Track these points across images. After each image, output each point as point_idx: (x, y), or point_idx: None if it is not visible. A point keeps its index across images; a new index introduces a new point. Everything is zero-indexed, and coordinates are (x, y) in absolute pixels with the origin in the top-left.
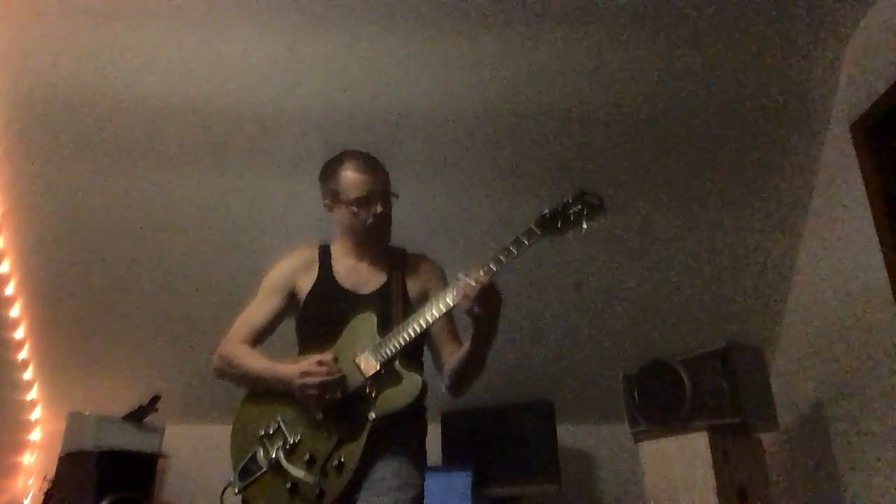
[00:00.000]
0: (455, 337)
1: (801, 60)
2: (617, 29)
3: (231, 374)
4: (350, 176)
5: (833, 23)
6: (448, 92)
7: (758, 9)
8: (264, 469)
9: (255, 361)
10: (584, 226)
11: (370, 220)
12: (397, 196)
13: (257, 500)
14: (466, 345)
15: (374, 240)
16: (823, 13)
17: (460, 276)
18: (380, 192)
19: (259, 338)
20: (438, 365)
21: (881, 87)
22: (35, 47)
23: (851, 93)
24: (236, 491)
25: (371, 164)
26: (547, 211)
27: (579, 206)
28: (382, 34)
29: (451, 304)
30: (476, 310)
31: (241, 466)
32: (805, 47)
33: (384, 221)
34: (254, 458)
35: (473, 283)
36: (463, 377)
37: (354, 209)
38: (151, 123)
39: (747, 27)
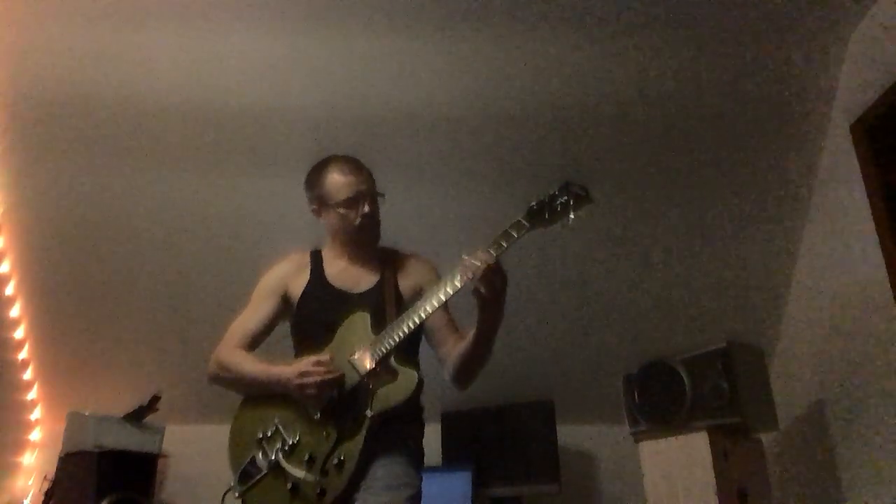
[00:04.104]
0: (455, 328)
1: (801, 60)
2: (615, 28)
3: (227, 378)
4: (336, 178)
5: (833, 23)
6: (444, 92)
7: (758, 9)
8: (264, 471)
9: (252, 365)
10: (572, 216)
11: (358, 221)
12: (383, 196)
13: (258, 502)
14: (472, 331)
15: (363, 240)
16: (823, 13)
17: (465, 257)
18: (366, 192)
19: (254, 342)
20: (441, 357)
21: (881, 87)
22: (35, 47)
23: (851, 93)
24: (236, 495)
25: (355, 166)
26: (534, 203)
27: (566, 197)
28: (379, 35)
29: (459, 287)
30: (482, 290)
31: (240, 470)
32: (805, 47)
33: (372, 221)
34: (253, 462)
35: (478, 263)
36: (469, 365)
37: (342, 211)
38: (151, 123)
39: (747, 27)
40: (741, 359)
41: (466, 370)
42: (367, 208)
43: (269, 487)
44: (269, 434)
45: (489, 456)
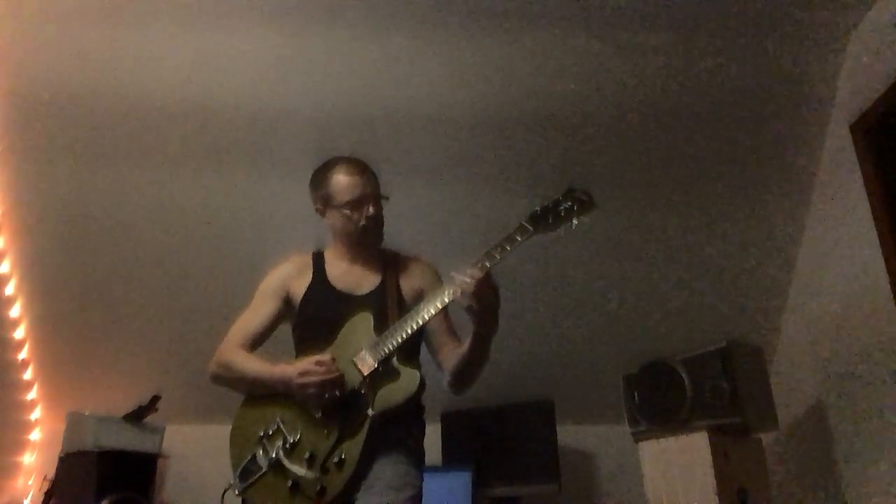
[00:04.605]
0: (453, 334)
1: (801, 60)
2: (614, 29)
3: (228, 378)
4: (341, 179)
5: (833, 23)
6: (445, 93)
7: (757, 9)
8: (264, 469)
9: (253, 364)
10: (575, 221)
11: (362, 222)
12: (387, 198)
13: (258, 500)
14: (468, 341)
15: (367, 242)
16: (823, 13)
17: (454, 273)
18: (371, 194)
19: (255, 343)
20: (439, 363)
21: (881, 87)
22: (35, 47)
23: (851, 93)
24: (237, 493)
25: (360, 168)
26: (538, 208)
27: (569, 203)
28: (380, 35)
29: (447, 301)
30: (473, 305)
31: (241, 468)
32: (805, 47)
33: (376, 223)
34: (254, 460)
35: (468, 279)
36: (466, 373)
37: (347, 212)
38: (151, 123)
39: (747, 28)
40: (741, 359)
41: (463, 376)
42: (371, 210)
43: (270, 485)
44: (270, 432)
45: (489, 456)
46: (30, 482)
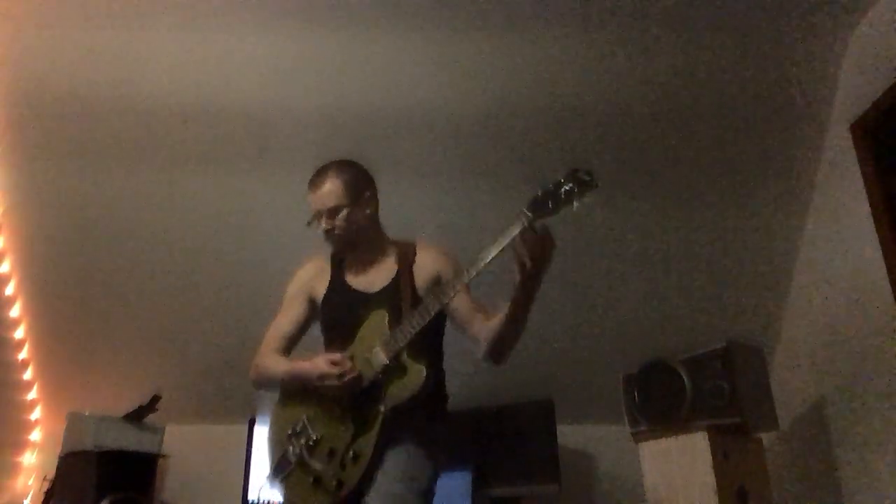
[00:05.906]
0: (480, 308)
1: (801, 60)
2: (615, 29)
3: (263, 381)
4: (308, 194)
5: (833, 23)
6: (447, 92)
7: (758, 8)
8: (293, 466)
9: (280, 366)
10: (576, 203)
11: (323, 234)
12: (346, 208)
13: (289, 494)
14: (506, 306)
15: (333, 249)
16: (823, 13)
17: (523, 209)
18: (325, 210)
19: (289, 345)
20: (472, 338)
21: (881, 87)
22: (35, 47)
23: (851, 93)
24: (270, 488)
25: (319, 182)
26: (539, 192)
27: (571, 184)
28: (381, 35)
29: (452, 295)
30: (526, 261)
31: (274, 465)
32: (805, 47)
33: (331, 236)
34: (285, 456)
35: (529, 227)
36: (504, 340)
37: (315, 223)
38: (151, 123)
39: (747, 27)
40: (741, 359)
41: (501, 346)
42: (323, 225)
43: (296, 481)
44: (297, 430)
45: (489, 456)
46: (30, 482)
